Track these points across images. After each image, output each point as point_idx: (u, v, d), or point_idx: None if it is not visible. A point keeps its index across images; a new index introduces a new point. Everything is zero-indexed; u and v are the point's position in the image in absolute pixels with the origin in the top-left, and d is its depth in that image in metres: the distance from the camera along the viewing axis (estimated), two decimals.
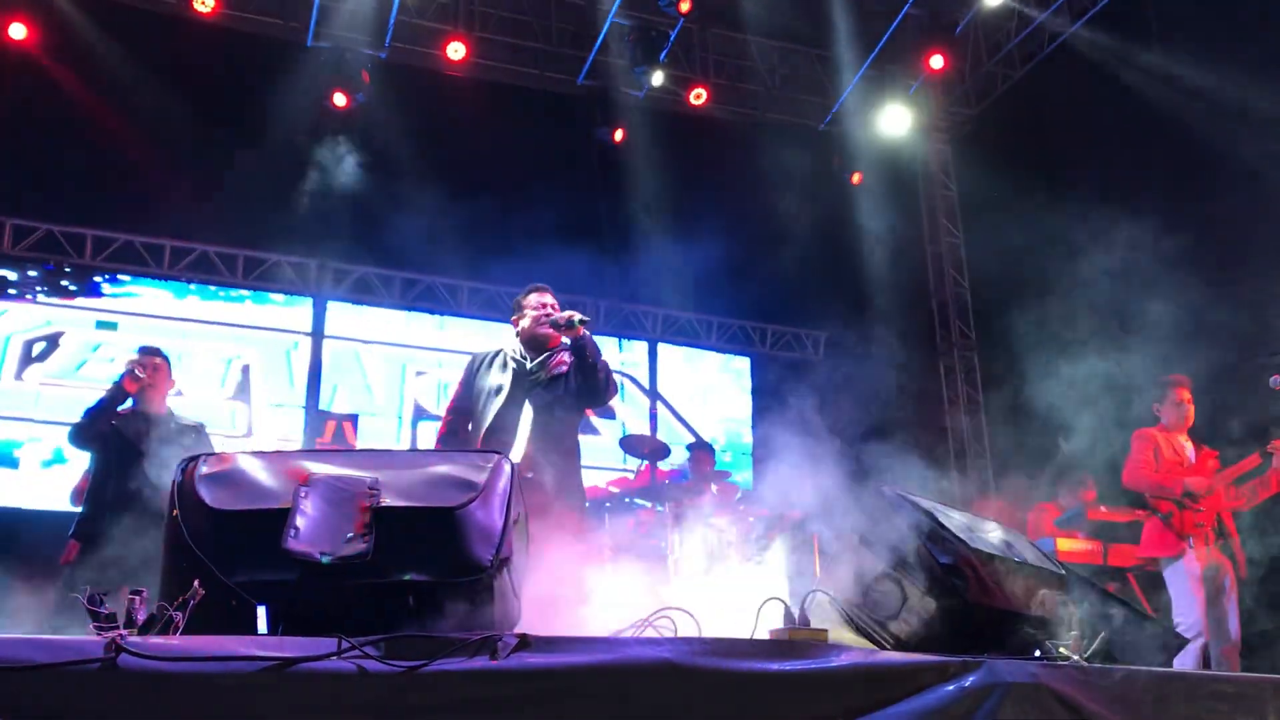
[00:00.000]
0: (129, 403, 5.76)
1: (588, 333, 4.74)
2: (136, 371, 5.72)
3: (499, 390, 4.74)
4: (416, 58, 9.83)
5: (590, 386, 4.77)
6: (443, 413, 5.12)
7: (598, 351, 4.78)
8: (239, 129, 8.92)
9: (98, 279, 9.24)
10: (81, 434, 5.72)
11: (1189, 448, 6.10)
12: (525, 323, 4.89)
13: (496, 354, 4.92)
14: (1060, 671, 2.34)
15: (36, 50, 8.58)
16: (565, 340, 4.79)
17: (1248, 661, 6.03)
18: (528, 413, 4.68)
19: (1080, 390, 6.29)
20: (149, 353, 5.99)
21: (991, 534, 3.04)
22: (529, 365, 4.80)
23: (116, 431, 5.66)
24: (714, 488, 8.15)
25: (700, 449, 8.91)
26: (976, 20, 10.47)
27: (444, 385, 10.12)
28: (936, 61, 10.30)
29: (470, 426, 4.81)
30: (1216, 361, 6.60)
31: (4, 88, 8.38)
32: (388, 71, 9.68)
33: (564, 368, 4.81)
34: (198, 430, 5.95)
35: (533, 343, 4.85)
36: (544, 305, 4.87)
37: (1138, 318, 6.67)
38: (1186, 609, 5.73)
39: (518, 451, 4.59)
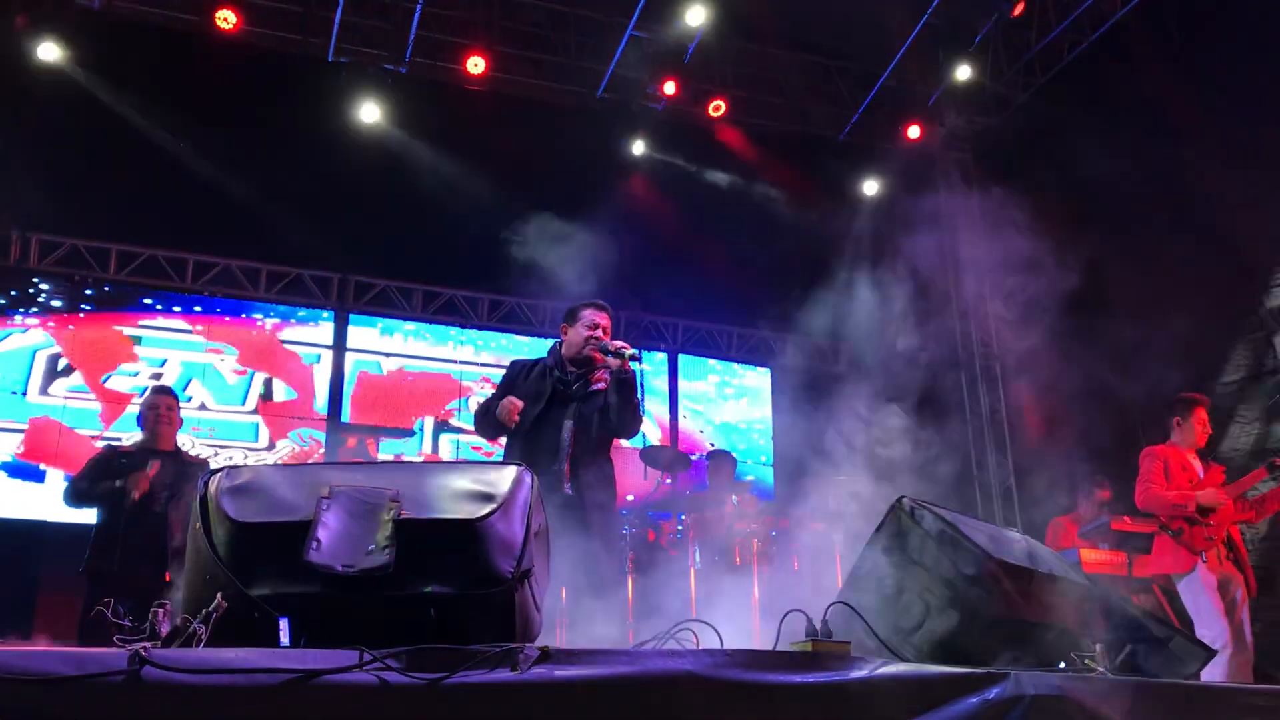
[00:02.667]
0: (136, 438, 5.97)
1: (635, 368, 4.77)
2: (160, 411, 6.02)
3: (540, 400, 4.76)
4: (436, 72, 9.88)
5: (621, 419, 4.78)
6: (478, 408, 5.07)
7: (638, 388, 4.78)
8: (260, 144, 8.98)
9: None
10: (81, 496, 5.86)
11: (1197, 464, 6.10)
12: (574, 337, 4.90)
13: (537, 363, 4.96)
14: (1086, 683, 2.32)
15: (62, 67, 8.67)
16: (610, 367, 4.79)
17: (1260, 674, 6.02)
18: (569, 426, 4.73)
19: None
20: (164, 393, 6.23)
21: (1015, 545, 3.02)
22: (570, 379, 4.83)
23: (128, 470, 5.76)
24: (734, 498, 8.13)
25: (720, 457, 8.88)
26: (997, 30, 10.44)
27: (463, 401, 10.16)
28: (963, 72, 10.29)
29: (509, 429, 4.80)
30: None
31: (30, 104, 8.47)
32: (408, 86, 9.74)
33: (602, 384, 4.84)
34: (204, 466, 6.22)
35: (577, 358, 4.87)
36: (598, 326, 4.89)
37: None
38: (1210, 620, 5.70)
39: (560, 463, 4.64)
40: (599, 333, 4.87)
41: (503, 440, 4.95)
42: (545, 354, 5.01)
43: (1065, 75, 10.20)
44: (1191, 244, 7.94)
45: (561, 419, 4.74)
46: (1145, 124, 8.53)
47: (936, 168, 11.49)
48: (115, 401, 8.92)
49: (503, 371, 5.17)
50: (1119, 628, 3.12)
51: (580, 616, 4.22)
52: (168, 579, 5.63)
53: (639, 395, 4.77)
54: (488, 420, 4.83)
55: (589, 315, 4.91)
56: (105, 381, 8.97)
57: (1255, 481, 5.97)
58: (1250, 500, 6.05)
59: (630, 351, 4.73)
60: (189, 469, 5.96)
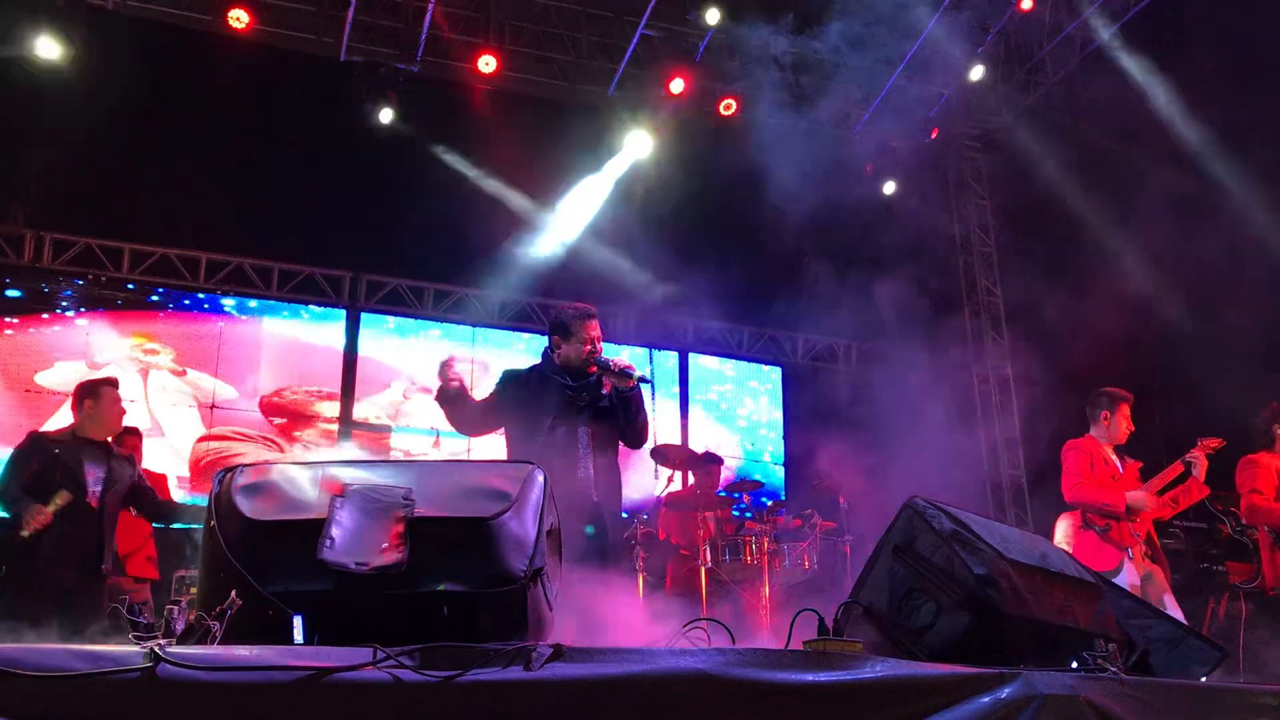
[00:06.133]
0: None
1: (640, 386, 4.80)
2: (106, 400, 5.62)
3: (549, 409, 4.73)
4: (448, 71, 9.89)
5: (626, 434, 4.86)
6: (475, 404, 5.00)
7: (643, 404, 4.84)
8: (272, 142, 9.01)
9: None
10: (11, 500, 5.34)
11: (1116, 460, 6.08)
12: (572, 351, 4.83)
13: (533, 372, 4.91)
14: (1098, 683, 2.32)
15: (73, 66, 8.69)
16: (615, 386, 4.79)
17: None
18: (585, 433, 4.73)
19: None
20: (112, 383, 5.81)
21: (1026, 544, 3.01)
22: (578, 388, 4.79)
23: (57, 457, 5.40)
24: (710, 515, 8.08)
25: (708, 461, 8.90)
26: (1009, 28, 10.41)
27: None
28: (977, 73, 10.26)
29: (510, 439, 4.86)
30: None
31: (41, 104, 8.51)
32: (419, 85, 9.75)
33: (606, 390, 4.85)
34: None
35: (573, 368, 4.82)
36: (595, 338, 4.85)
37: None
38: None
39: (583, 470, 4.66)
40: (596, 345, 4.84)
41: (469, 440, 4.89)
42: (539, 361, 4.96)
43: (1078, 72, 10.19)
44: None
45: (576, 427, 4.73)
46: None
47: (951, 165, 11.46)
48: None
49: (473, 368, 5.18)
50: (1131, 627, 3.11)
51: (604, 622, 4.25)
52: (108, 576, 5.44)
53: (642, 409, 4.82)
54: (452, 404, 4.78)
55: (585, 330, 4.84)
56: None
57: (1171, 477, 5.95)
58: (1164, 496, 6.02)
59: (637, 374, 4.75)
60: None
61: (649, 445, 5.56)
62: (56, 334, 9.01)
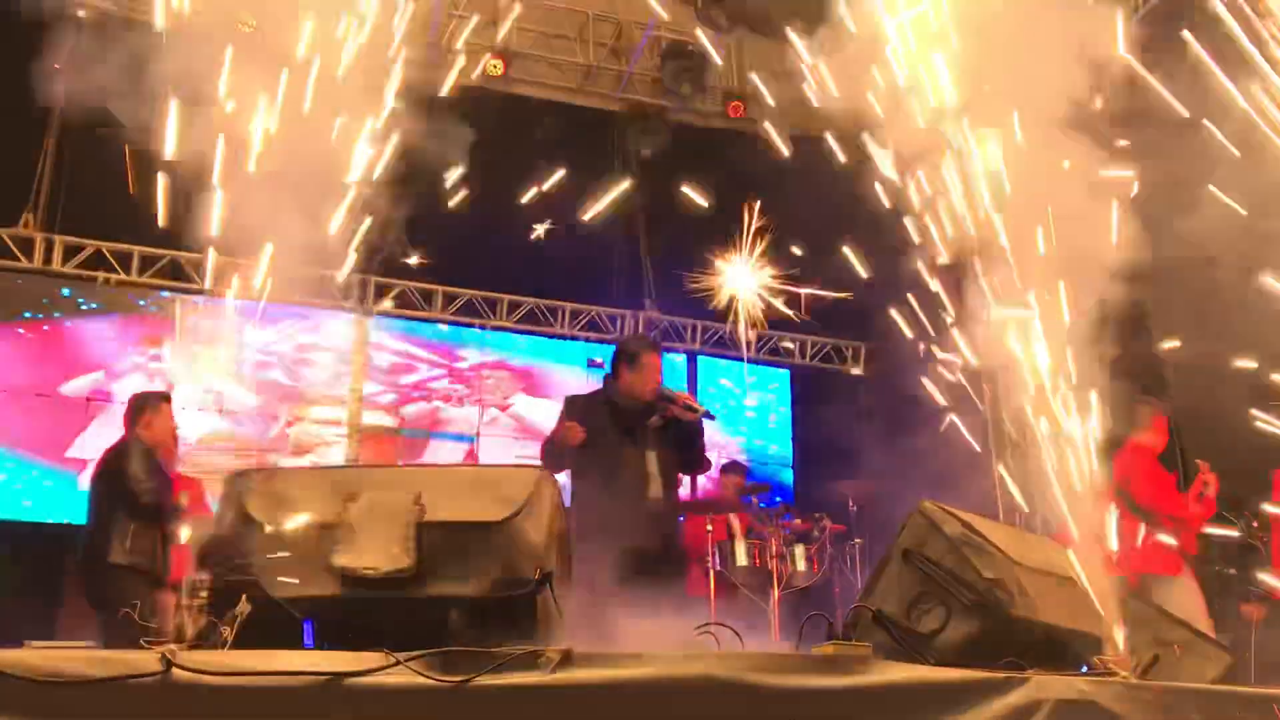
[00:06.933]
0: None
1: (703, 421, 5.16)
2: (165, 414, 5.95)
3: (617, 435, 5.01)
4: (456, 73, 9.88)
5: (687, 461, 5.30)
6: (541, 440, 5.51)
7: (703, 436, 5.26)
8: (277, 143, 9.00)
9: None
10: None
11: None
12: (637, 381, 5.09)
13: (594, 398, 5.26)
14: (1108, 687, 2.32)
15: (82, 72, 8.71)
16: (677, 416, 5.09)
17: None
18: (652, 459, 5.02)
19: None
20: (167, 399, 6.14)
21: (1035, 548, 3.01)
22: (642, 414, 5.07)
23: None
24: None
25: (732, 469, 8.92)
26: None
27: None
28: None
29: (577, 461, 5.09)
30: None
31: (53, 108, 8.53)
32: (426, 88, 9.74)
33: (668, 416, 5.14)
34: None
35: (637, 397, 5.09)
36: (659, 370, 5.16)
37: None
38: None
39: (653, 493, 4.99)
40: (659, 376, 5.15)
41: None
42: (600, 388, 5.32)
43: None
44: None
45: (643, 452, 5.01)
46: None
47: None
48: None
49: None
50: (1141, 631, 3.10)
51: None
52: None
53: (700, 439, 5.22)
54: (552, 450, 5.09)
55: (651, 360, 5.14)
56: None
57: (1202, 486, 5.94)
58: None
59: (703, 410, 5.11)
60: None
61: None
62: (70, 339, 9.04)
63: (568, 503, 5.07)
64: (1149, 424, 6.10)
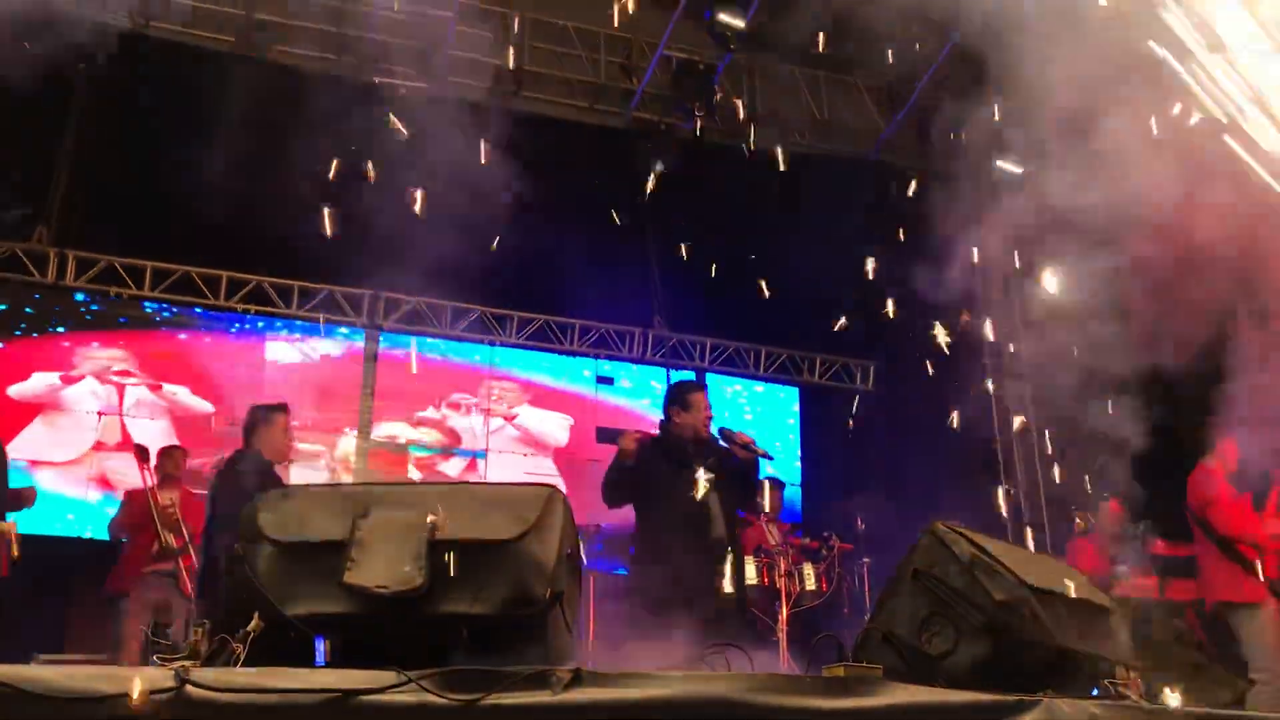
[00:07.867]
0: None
1: (760, 461, 5.46)
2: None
3: (679, 476, 5.17)
4: (466, 90, 9.94)
5: (744, 498, 5.72)
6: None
7: (759, 473, 5.59)
8: (291, 161, 9.04)
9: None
10: None
11: None
12: (693, 420, 5.39)
13: (658, 441, 5.43)
14: (1120, 711, 2.31)
15: (96, 86, 8.77)
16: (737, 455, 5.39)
17: None
18: (714, 499, 5.20)
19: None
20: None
21: (1047, 570, 3.00)
22: (701, 454, 5.28)
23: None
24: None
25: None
26: None
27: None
28: None
29: (639, 506, 5.36)
30: None
31: (65, 124, 8.59)
32: (437, 104, 9.78)
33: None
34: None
35: (693, 437, 5.36)
36: (707, 406, 5.46)
37: None
38: (1274, 659, 5.43)
39: (716, 531, 5.23)
40: (708, 411, 5.45)
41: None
42: (657, 430, 5.55)
43: None
44: None
45: (706, 491, 5.15)
46: None
47: None
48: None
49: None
50: (1154, 655, 3.09)
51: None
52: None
53: (757, 474, 5.57)
54: (614, 486, 5.34)
55: (698, 399, 5.44)
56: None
57: (1275, 507, 5.85)
58: None
59: (762, 451, 5.40)
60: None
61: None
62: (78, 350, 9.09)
63: (631, 546, 5.56)
64: (1218, 446, 6.01)
